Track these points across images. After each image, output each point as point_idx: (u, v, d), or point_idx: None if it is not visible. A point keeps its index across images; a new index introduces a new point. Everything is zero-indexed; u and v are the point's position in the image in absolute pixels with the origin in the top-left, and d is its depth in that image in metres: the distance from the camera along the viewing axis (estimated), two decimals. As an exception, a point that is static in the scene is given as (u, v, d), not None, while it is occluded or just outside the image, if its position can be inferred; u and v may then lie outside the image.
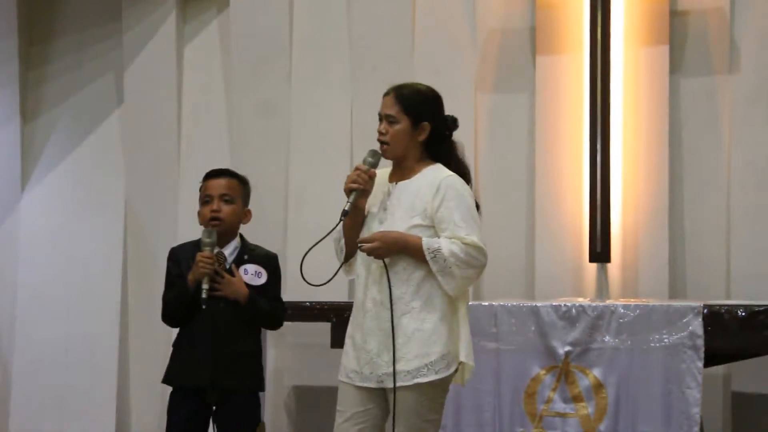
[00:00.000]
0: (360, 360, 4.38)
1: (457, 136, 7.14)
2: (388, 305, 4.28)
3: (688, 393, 5.17)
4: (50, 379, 7.40)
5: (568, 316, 5.29)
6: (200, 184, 5.09)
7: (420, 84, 4.49)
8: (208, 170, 5.13)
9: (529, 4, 6.79)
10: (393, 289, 4.29)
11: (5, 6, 7.46)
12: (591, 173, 6.48)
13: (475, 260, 4.29)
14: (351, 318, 4.48)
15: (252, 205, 5.12)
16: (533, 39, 6.79)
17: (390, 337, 4.27)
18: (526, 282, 6.73)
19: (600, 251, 6.44)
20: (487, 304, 5.37)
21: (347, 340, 4.46)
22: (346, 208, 4.33)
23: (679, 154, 6.63)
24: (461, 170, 4.45)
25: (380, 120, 4.43)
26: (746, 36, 6.54)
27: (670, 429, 5.20)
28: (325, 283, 4.43)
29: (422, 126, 4.40)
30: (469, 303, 5.32)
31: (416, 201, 4.36)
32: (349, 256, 4.48)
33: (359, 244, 4.34)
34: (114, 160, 7.51)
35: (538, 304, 5.33)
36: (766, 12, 6.53)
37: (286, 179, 7.09)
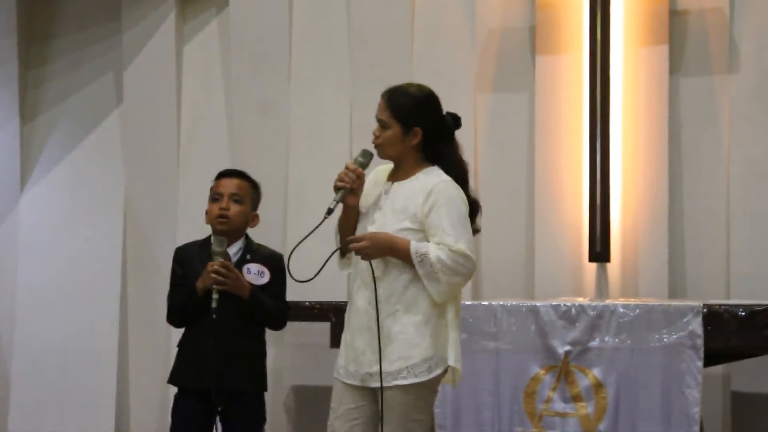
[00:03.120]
0: (348, 357, 4.40)
1: (457, 135, 7.15)
2: (375, 306, 4.29)
3: (687, 393, 5.17)
4: (50, 379, 7.39)
5: (568, 316, 5.29)
6: (212, 183, 5.06)
7: (413, 86, 4.40)
8: (219, 170, 5.11)
9: (529, 4, 6.79)
10: (380, 290, 4.27)
11: (5, 6, 7.45)
12: (591, 173, 6.47)
13: (462, 267, 4.24)
14: (345, 315, 4.50)
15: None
16: (533, 39, 6.78)
17: (376, 337, 4.27)
18: (526, 282, 6.72)
19: (600, 251, 6.44)
20: (486, 303, 5.37)
21: (342, 337, 4.48)
22: (330, 206, 4.35)
23: (679, 154, 6.62)
24: (460, 172, 4.38)
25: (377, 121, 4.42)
26: (746, 36, 6.54)
27: (670, 429, 5.19)
28: (309, 280, 4.42)
29: (414, 131, 4.34)
30: (468, 303, 5.33)
31: (408, 204, 4.33)
32: (343, 253, 4.48)
33: (349, 242, 4.35)
34: (114, 160, 7.50)
35: (538, 304, 5.33)
36: (765, 12, 6.53)
37: (285, 179, 7.08)
